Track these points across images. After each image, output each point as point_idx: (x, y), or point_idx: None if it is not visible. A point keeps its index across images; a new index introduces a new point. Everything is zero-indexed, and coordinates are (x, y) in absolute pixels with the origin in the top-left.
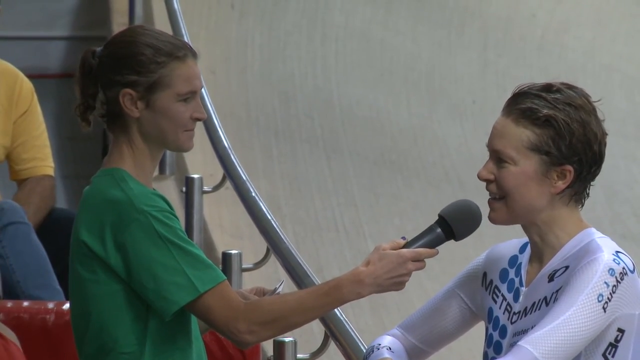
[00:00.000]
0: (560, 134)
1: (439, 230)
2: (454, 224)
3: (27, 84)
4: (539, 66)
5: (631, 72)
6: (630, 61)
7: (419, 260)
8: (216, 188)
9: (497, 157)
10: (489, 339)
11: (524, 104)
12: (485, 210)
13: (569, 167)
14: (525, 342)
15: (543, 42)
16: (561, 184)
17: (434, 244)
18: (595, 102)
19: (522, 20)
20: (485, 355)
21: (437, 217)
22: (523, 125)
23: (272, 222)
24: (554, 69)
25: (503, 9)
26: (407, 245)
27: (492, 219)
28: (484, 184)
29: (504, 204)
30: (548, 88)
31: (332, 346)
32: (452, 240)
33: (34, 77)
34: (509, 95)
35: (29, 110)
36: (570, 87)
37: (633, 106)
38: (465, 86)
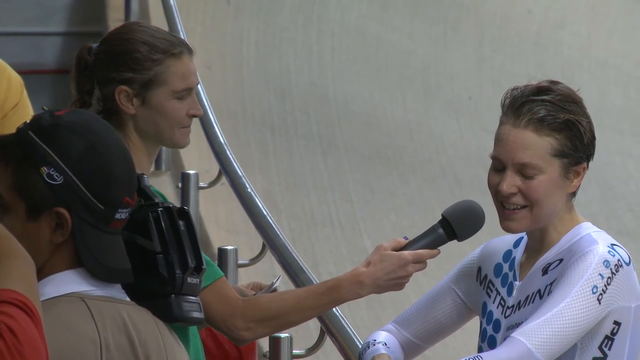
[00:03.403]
0: (577, 135)
1: (441, 230)
2: (456, 225)
3: (16, 77)
4: (535, 62)
5: (627, 68)
6: (625, 57)
7: (419, 262)
8: (212, 184)
9: (520, 169)
10: (482, 333)
11: (538, 113)
12: (487, 208)
13: (584, 165)
14: (519, 334)
15: (539, 38)
16: (576, 182)
17: (435, 244)
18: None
19: (517, 16)
20: (480, 349)
21: (432, 212)
22: (545, 134)
23: (268, 218)
24: (550, 65)
25: (499, 5)
26: (409, 245)
27: (513, 229)
28: (480, 180)
29: (529, 212)
30: (542, 90)
31: (328, 342)
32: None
33: (30, 72)
34: (504, 91)
35: (20, 103)
36: (555, 82)
37: (628, 102)
38: (461, 82)
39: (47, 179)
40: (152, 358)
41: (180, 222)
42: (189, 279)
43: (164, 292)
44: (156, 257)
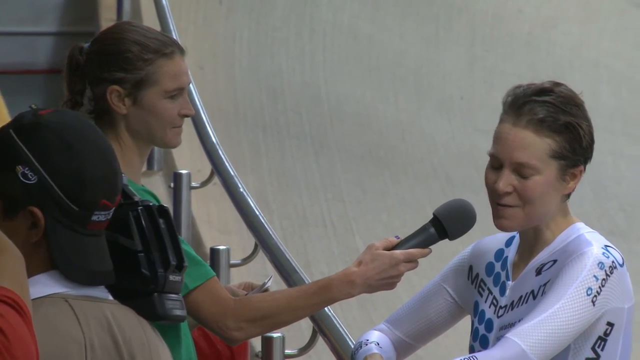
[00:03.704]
0: (576, 138)
1: (432, 229)
2: (447, 224)
3: None
4: (527, 62)
5: (618, 68)
6: (617, 57)
7: (411, 261)
8: (204, 184)
9: (517, 169)
10: (474, 332)
11: (539, 113)
12: (479, 207)
13: (581, 167)
14: (513, 334)
15: (530, 38)
16: (572, 184)
17: (427, 243)
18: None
19: (509, 16)
20: (472, 349)
21: (424, 212)
22: (545, 135)
23: (260, 218)
24: (542, 64)
25: (490, 5)
26: (400, 244)
27: (506, 227)
28: (472, 179)
29: (521, 211)
30: (545, 91)
31: (320, 342)
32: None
33: (22, 72)
34: (496, 91)
35: None
36: (558, 84)
37: (620, 102)
38: (453, 82)
39: (21, 178)
40: (136, 357)
41: (160, 220)
42: (171, 277)
43: (146, 290)
44: (138, 256)
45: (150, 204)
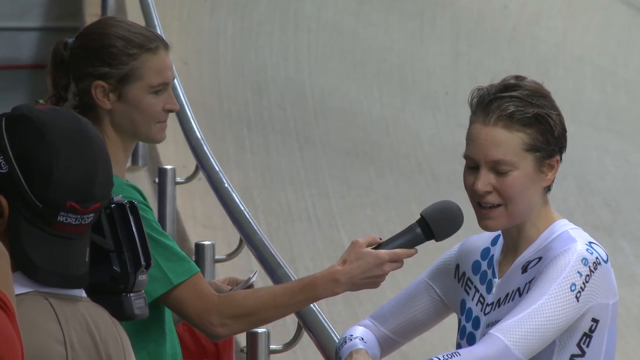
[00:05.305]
0: (548, 128)
1: (418, 230)
2: (434, 225)
3: None
4: (511, 57)
5: (603, 64)
6: (601, 52)
7: (396, 261)
8: (189, 179)
9: (494, 167)
10: (462, 330)
11: (507, 109)
12: (464, 203)
13: (557, 157)
14: (497, 330)
15: (515, 33)
16: (551, 176)
17: (412, 243)
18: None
19: (494, 11)
20: (458, 346)
21: (408, 207)
22: (516, 129)
23: (245, 213)
24: (526, 60)
25: (475, 1)
26: (386, 243)
27: (491, 227)
28: (457, 174)
29: (504, 210)
30: (509, 86)
31: (305, 337)
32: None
33: (6, 68)
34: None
35: None
36: (521, 77)
37: (605, 97)
38: (438, 77)
39: None
40: (112, 355)
41: (131, 217)
42: (140, 277)
43: (115, 289)
44: (109, 255)
45: (123, 202)
